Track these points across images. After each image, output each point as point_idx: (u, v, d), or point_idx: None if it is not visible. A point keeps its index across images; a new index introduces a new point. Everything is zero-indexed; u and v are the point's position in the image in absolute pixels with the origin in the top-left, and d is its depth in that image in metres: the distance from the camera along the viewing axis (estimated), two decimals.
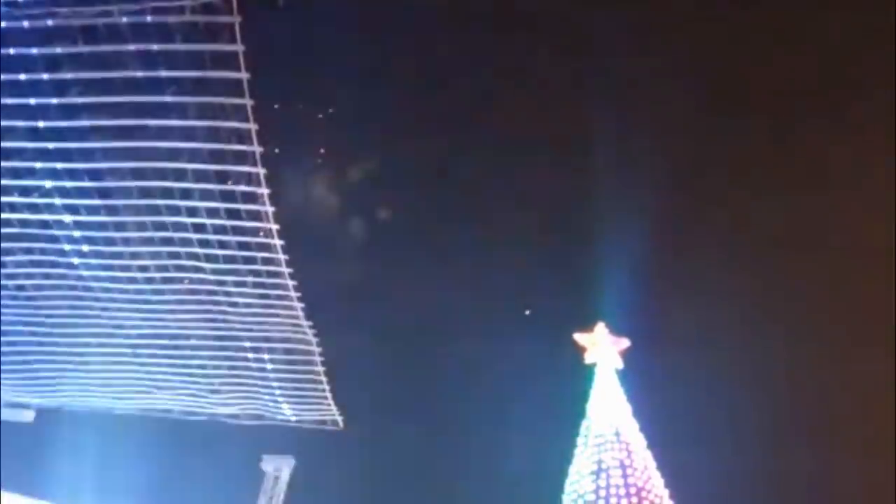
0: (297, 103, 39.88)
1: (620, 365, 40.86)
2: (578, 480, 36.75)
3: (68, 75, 29.71)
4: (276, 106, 34.36)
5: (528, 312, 49.26)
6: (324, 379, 42.75)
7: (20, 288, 38.10)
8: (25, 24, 28.59)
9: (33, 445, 46.00)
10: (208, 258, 36.02)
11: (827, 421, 49.30)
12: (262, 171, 31.90)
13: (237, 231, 34.66)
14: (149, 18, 28.30)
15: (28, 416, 46.30)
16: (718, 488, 42.75)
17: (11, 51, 29.07)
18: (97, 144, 31.57)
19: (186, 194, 33.31)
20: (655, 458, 37.50)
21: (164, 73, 29.43)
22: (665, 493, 36.44)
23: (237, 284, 37.51)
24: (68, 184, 32.73)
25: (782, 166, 47.38)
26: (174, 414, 46.23)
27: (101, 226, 34.73)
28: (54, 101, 30.21)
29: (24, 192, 33.32)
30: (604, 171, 45.69)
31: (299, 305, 38.60)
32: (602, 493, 35.67)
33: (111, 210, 34.08)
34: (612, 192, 45.12)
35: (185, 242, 35.38)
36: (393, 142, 47.40)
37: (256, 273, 36.85)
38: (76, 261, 36.38)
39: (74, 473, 44.60)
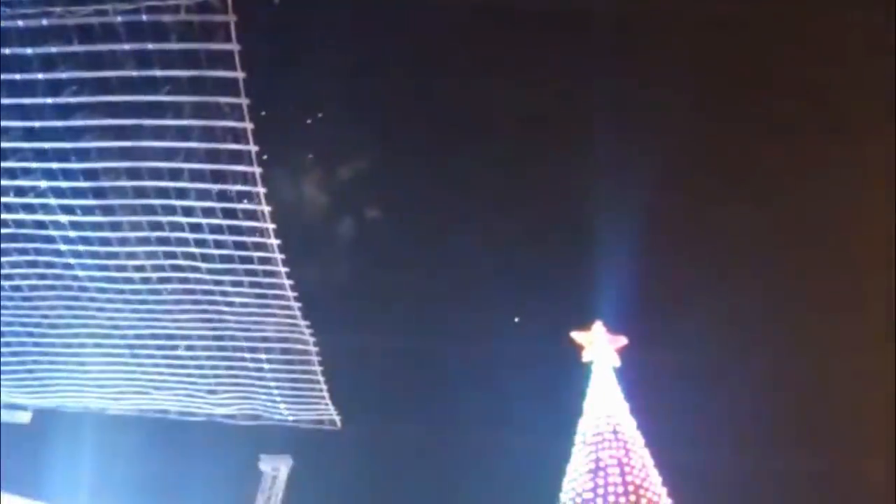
0: (294, 103, 39.93)
1: (618, 363, 40.79)
2: (576, 479, 36.57)
3: (63, 75, 29.57)
4: (273, 106, 34.20)
5: (517, 320, 49.30)
6: (321, 378, 42.64)
7: (16, 289, 37.89)
8: (20, 23, 28.52)
9: (31, 446, 45.95)
10: (205, 258, 35.86)
11: (826, 418, 49.38)
12: (258, 170, 31.79)
13: (233, 230, 34.48)
14: (144, 17, 28.21)
15: (25, 417, 46.21)
16: (717, 486, 42.86)
17: (7, 50, 28.96)
18: (92, 144, 31.41)
19: (182, 194, 33.15)
20: (653, 456, 37.33)
21: (159, 73, 29.34)
22: (663, 491, 36.28)
23: (234, 284, 37.33)
24: (63, 184, 32.58)
25: (781, 166, 47.45)
26: (171, 414, 46.11)
27: (97, 226, 34.55)
28: (49, 100, 30.07)
29: (20, 192, 33.21)
30: (602, 168, 45.78)
31: (296, 305, 38.47)
32: (600, 491, 35.48)
33: (107, 210, 33.90)
34: (610, 189, 45.18)
35: (182, 242, 35.21)
36: (390, 140, 47.46)
37: (253, 273, 36.67)
38: (72, 261, 36.20)
39: (72, 474, 44.54)
